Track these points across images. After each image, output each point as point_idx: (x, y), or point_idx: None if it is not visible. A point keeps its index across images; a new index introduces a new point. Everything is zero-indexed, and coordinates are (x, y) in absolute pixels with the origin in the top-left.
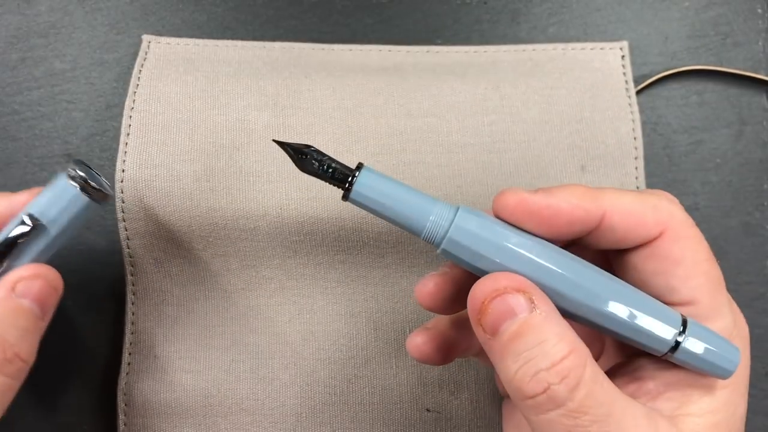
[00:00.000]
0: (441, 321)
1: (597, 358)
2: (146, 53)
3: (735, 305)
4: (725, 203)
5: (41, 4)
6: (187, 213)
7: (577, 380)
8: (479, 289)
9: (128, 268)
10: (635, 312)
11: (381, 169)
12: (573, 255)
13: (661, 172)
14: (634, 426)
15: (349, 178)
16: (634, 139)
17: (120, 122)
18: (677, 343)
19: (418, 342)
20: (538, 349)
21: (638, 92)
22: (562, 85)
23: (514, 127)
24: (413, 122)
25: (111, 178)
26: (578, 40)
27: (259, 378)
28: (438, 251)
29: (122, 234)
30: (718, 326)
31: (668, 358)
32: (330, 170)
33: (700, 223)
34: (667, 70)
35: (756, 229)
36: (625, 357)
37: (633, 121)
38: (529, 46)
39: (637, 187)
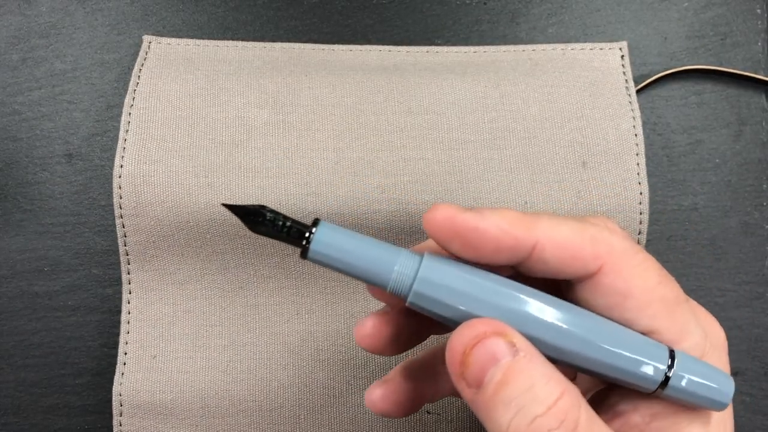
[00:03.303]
0: (401, 371)
1: None
2: (146, 53)
3: (704, 313)
4: (724, 203)
5: (42, 4)
6: (186, 209)
7: (575, 422)
8: (457, 340)
9: (124, 267)
10: (618, 351)
11: (381, 165)
12: (547, 295)
13: (660, 172)
14: None
15: (306, 235)
16: (635, 135)
17: (120, 122)
18: (666, 378)
19: (375, 398)
20: (529, 395)
21: (637, 92)
22: (561, 84)
23: (514, 124)
24: (413, 119)
25: (112, 178)
26: (577, 40)
27: (257, 379)
28: (406, 304)
29: (119, 231)
30: (687, 346)
31: (657, 395)
32: (285, 229)
33: (699, 223)
34: (667, 70)
35: (755, 228)
36: (602, 386)
37: (634, 118)
38: (529, 47)
39: (639, 183)
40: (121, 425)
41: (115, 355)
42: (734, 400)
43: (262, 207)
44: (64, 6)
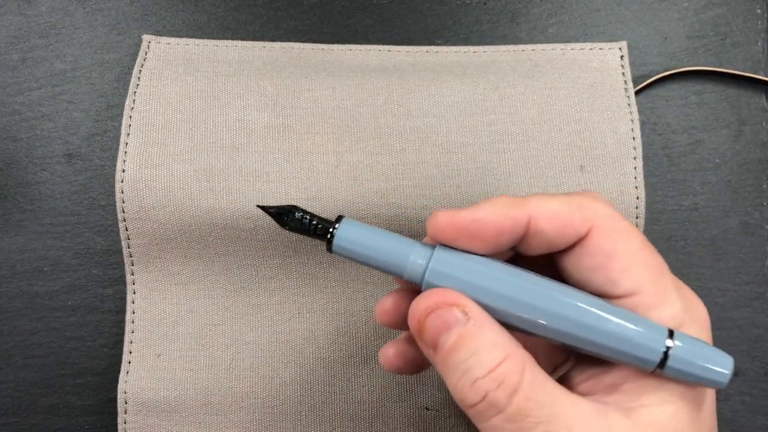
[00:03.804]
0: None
1: (566, 359)
2: (146, 53)
3: (688, 291)
4: (724, 203)
5: (42, 4)
6: (187, 213)
7: (514, 385)
8: (415, 308)
9: (129, 268)
10: (617, 332)
11: (380, 169)
12: (549, 280)
13: (660, 172)
14: (583, 422)
15: (330, 230)
16: (633, 139)
17: (120, 122)
18: (665, 357)
19: (389, 355)
20: (473, 359)
21: (637, 92)
22: (560, 86)
23: (513, 127)
24: (412, 122)
25: (111, 178)
26: (577, 40)
27: (259, 377)
28: (422, 291)
29: (123, 234)
30: (667, 314)
31: (656, 374)
32: (312, 226)
33: (699, 223)
34: (667, 70)
35: (755, 229)
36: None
37: (632, 121)
38: (529, 47)
39: (636, 188)
40: (125, 423)
41: (116, 355)
42: (734, 400)
43: (294, 207)
44: (64, 6)
